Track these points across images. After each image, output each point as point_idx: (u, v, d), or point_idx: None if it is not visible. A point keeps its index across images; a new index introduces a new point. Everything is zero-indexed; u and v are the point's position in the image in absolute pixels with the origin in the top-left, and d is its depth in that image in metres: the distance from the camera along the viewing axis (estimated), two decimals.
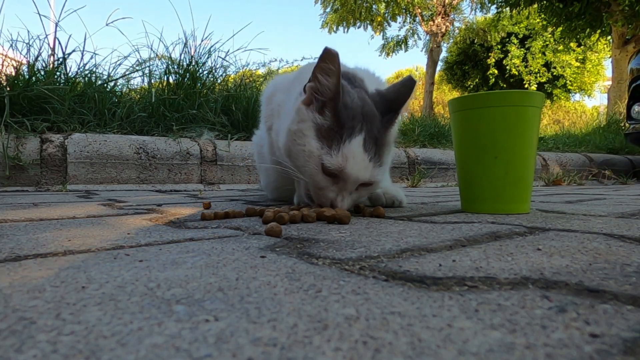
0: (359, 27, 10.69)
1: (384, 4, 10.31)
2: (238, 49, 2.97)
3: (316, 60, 0.73)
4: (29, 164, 1.77)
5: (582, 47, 10.33)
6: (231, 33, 3.21)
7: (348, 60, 0.90)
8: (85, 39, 2.49)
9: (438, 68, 11.47)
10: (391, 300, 0.29)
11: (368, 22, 10.58)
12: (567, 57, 11.71)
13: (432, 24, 10.23)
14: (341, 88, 0.71)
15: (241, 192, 1.75)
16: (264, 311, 0.26)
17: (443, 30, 10.24)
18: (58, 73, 2.26)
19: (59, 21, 2.32)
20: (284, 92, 0.89)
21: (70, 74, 2.33)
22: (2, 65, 2.12)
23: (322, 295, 0.29)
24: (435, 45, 10.28)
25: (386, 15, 10.51)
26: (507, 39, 12.02)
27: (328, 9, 10.51)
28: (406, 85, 0.79)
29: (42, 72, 2.22)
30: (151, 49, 2.79)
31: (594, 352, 0.20)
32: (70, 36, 2.42)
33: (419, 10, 10.34)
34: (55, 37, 2.31)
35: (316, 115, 0.72)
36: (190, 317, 0.25)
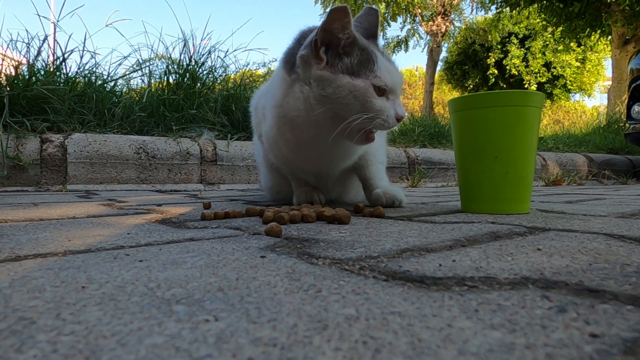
0: None
1: (384, 4, 10.29)
2: (238, 49, 2.98)
3: None
4: (29, 164, 1.77)
5: (582, 47, 10.33)
6: (230, 33, 3.21)
7: None
8: (85, 39, 2.48)
9: (438, 68, 11.47)
10: (391, 300, 0.29)
11: None
12: (567, 57, 11.69)
13: (432, 24, 10.22)
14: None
15: (241, 192, 1.75)
16: (264, 311, 0.26)
17: (443, 30, 10.23)
18: (58, 73, 2.26)
19: (58, 21, 2.33)
20: (267, 97, 0.90)
21: (70, 74, 2.33)
22: (2, 65, 2.11)
23: (322, 295, 0.29)
24: (435, 45, 10.27)
25: (386, 15, 10.50)
26: (507, 39, 12.01)
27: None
28: (371, 14, 0.88)
29: (42, 72, 2.22)
30: (151, 49, 2.80)
31: (594, 352, 0.20)
32: (70, 36, 2.41)
33: (419, 10, 10.33)
34: (54, 37, 2.31)
35: (342, 65, 0.77)
36: (190, 317, 0.25)
